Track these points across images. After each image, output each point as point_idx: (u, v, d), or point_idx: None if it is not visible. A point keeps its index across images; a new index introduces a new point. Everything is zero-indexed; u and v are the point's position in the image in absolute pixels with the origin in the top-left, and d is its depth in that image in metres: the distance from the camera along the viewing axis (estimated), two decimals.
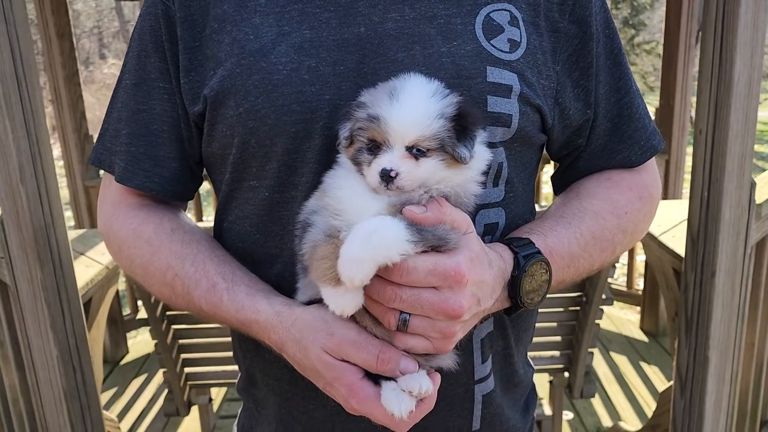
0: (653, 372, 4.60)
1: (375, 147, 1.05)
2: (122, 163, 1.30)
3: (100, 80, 20.48)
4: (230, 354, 3.15)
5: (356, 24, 1.21)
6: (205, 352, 3.12)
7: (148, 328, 2.92)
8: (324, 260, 1.01)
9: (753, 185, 2.67)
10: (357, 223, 1.02)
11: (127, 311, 5.52)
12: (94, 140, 2.33)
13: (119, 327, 5.11)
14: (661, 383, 4.40)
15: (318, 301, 1.12)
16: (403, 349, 1.06)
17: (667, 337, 5.03)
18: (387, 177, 1.02)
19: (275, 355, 1.21)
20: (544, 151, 1.43)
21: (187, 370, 3.18)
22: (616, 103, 1.36)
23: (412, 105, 1.04)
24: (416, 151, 1.04)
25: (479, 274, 1.07)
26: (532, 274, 1.16)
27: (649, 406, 4.16)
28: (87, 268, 3.31)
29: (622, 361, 4.78)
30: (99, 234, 3.77)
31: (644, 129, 1.38)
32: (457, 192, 1.09)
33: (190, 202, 1.52)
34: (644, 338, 5.10)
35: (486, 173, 1.15)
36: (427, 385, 1.06)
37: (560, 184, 1.47)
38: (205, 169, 1.41)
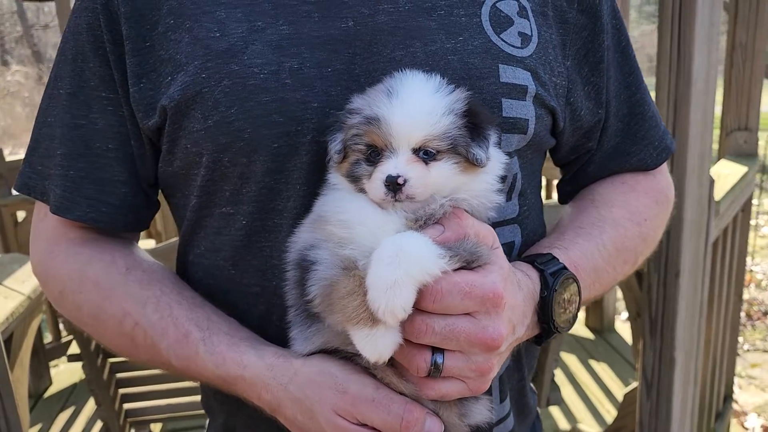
0: (603, 369, 4.60)
1: (375, 154, 0.90)
2: (58, 190, 1.10)
3: (4, 88, 19.22)
4: (174, 385, 2.88)
5: (342, 17, 1.03)
6: (147, 385, 2.84)
7: (74, 354, 2.61)
8: (350, 297, 0.84)
9: (712, 182, 2.66)
10: (376, 248, 0.86)
11: (48, 338, 5.07)
12: None
13: (41, 357, 4.67)
14: (611, 380, 4.41)
15: (322, 352, 0.94)
16: (435, 398, 0.90)
17: (614, 333, 5.06)
18: (394, 185, 0.86)
19: (265, 413, 1.01)
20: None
21: (126, 406, 2.88)
22: (626, 100, 1.24)
23: (415, 101, 0.89)
24: (424, 154, 0.89)
25: (512, 296, 0.93)
26: (562, 294, 1.03)
27: (602, 404, 4.15)
28: (6, 300, 2.95)
29: (571, 360, 4.77)
30: (18, 260, 3.39)
31: (657, 128, 1.27)
32: (475, 203, 0.94)
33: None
34: (590, 335, 5.12)
35: (504, 179, 1.00)
36: None
37: (569, 192, 1.34)
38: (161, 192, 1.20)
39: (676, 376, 2.78)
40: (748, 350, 5.24)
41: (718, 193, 2.76)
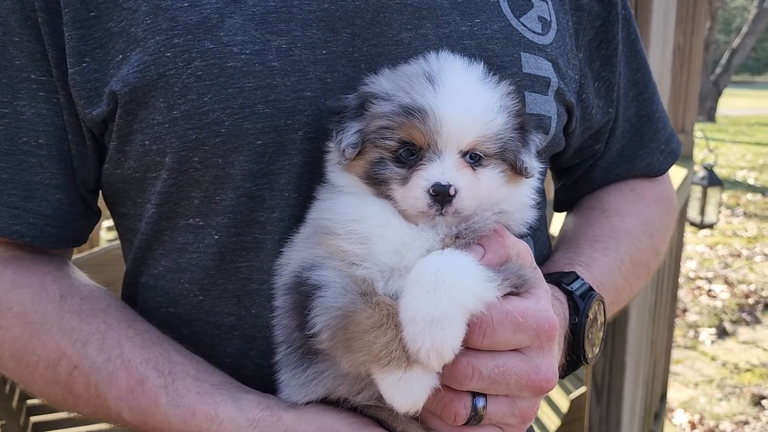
0: None
1: (409, 154, 0.74)
2: None
3: None
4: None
5: None
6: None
7: None
8: (377, 332, 0.67)
9: None
10: (400, 269, 0.71)
11: None
12: None
13: None
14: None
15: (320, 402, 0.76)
16: None
17: None
18: (444, 196, 0.70)
19: None
20: None
21: None
22: (634, 99, 1.14)
23: (468, 92, 0.74)
24: (470, 158, 0.74)
25: None
26: (591, 319, 0.92)
27: (543, 412, 4.13)
28: None
29: None
30: None
31: (664, 130, 1.17)
32: (516, 218, 0.80)
33: None
34: None
35: (542, 192, 0.87)
36: None
37: (568, 200, 1.22)
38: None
39: (627, 380, 2.77)
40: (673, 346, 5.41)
41: None
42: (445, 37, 0.87)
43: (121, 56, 0.82)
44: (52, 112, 0.87)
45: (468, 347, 0.70)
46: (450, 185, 0.70)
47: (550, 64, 0.94)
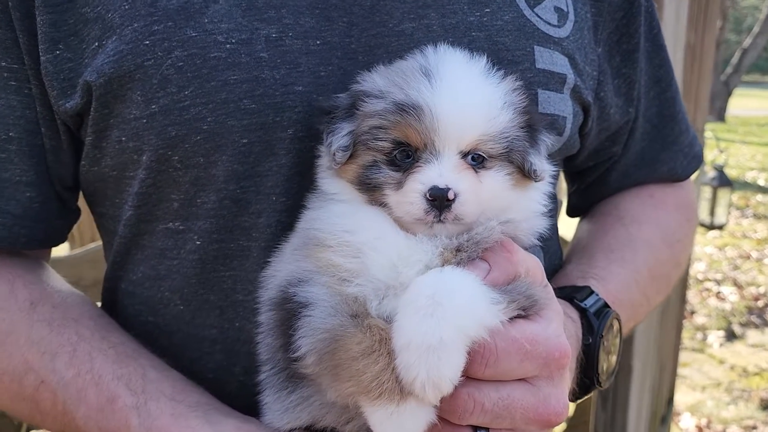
0: None
1: (405, 155, 0.68)
2: None
3: None
4: None
5: None
6: None
7: None
8: (367, 360, 0.61)
9: None
10: (397, 286, 0.65)
11: None
12: None
13: None
14: None
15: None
16: None
17: None
18: (441, 200, 0.64)
19: None
20: None
21: None
22: (656, 98, 1.07)
23: (468, 87, 0.68)
24: (472, 160, 0.67)
25: None
26: (607, 339, 0.85)
27: None
28: None
29: None
30: None
31: (687, 132, 1.10)
32: (525, 228, 0.73)
33: None
34: None
35: (554, 198, 0.81)
36: None
37: (582, 205, 1.14)
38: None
39: (633, 385, 2.70)
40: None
41: None
42: (451, 28, 0.81)
43: (96, 44, 0.77)
44: (23, 103, 0.82)
45: (469, 377, 0.64)
46: (449, 188, 0.64)
47: (567, 59, 0.87)
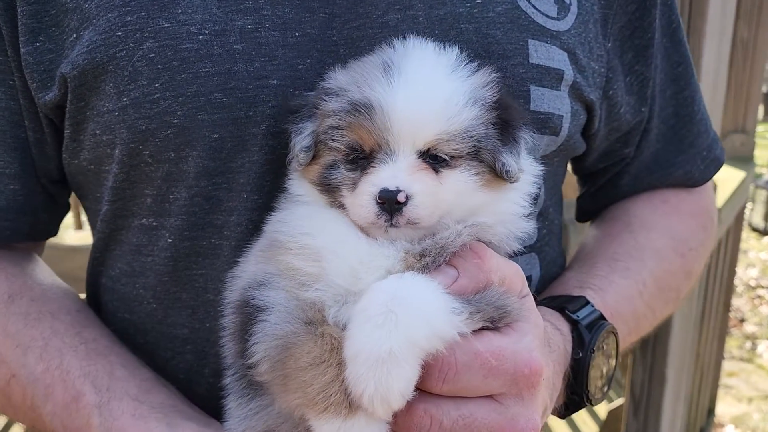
0: None
1: (362, 156, 0.64)
2: None
3: None
4: None
5: None
6: None
7: None
8: (316, 370, 0.58)
9: (714, 188, 2.44)
10: (358, 292, 0.61)
11: None
12: None
13: None
14: None
15: None
16: None
17: None
18: (391, 203, 0.61)
19: None
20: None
21: None
22: (673, 97, 1.00)
23: (426, 82, 0.64)
24: (433, 159, 0.64)
25: (545, 364, 0.68)
26: (600, 353, 0.80)
27: (583, 420, 3.96)
28: None
29: None
30: None
31: (706, 134, 1.02)
32: (500, 232, 0.68)
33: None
34: None
35: (537, 199, 0.76)
36: None
37: (591, 209, 1.08)
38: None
39: (666, 394, 2.61)
40: (724, 358, 5.13)
41: (719, 200, 2.56)
42: (438, 20, 0.77)
43: (74, 35, 0.75)
44: (6, 95, 0.81)
45: (427, 392, 0.60)
46: (399, 191, 0.60)
47: (566, 54, 0.82)
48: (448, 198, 0.63)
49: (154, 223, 0.79)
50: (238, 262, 0.72)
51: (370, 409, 0.57)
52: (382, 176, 0.61)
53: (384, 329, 0.56)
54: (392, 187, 0.60)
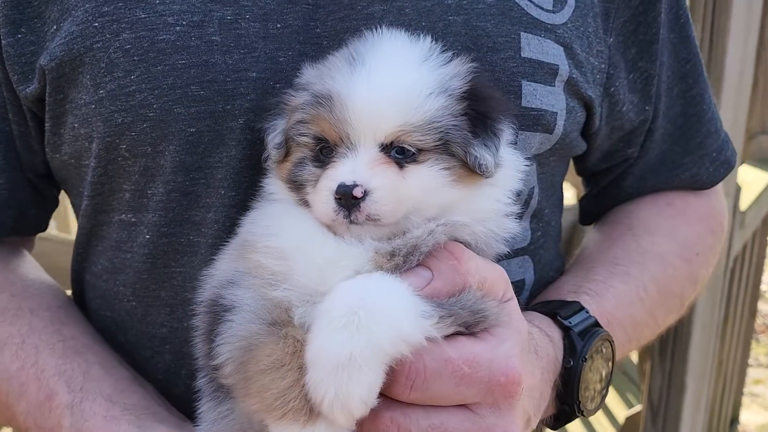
0: None
1: (326, 151, 0.63)
2: None
3: None
4: None
5: None
6: None
7: None
8: (275, 374, 0.56)
9: (738, 191, 2.38)
10: (327, 293, 0.59)
11: None
12: None
13: None
14: (613, 400, 4.14)
15: None
16: None
17: None
18: (348, 198, 0.59)
19: None
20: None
21: None
22: (681, 95, 0.96)
23: (389, 72, 0.62)
24: (398, 153, 0.61)
25: (529, 373, 0.66)
26: (593, 362, 0.77)
27: (601, 424, 3.89)
28: None
29: None
30: None
31: (716, 134, 0.98)
32: (479, 231, 0.65)
33: None
34: None
35: (528, 199, 0.75)
36: None
37: (594, 211, 1.05)
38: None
39: (686, 402, 2.54)
40: (750, 365, 4.99)
41: (744, 203, 2.49)
42: (425, 11, 0.74)
43: (55, 27, 0.75)
44: None
45: (396, 400, 0.58)
46: (355, 185, 0.58)
47: (561, 48, 0.79)
48: (413, 193, 0.61)
49: (132, 219, 0.78)
50: (214, 260, 0.71)
51: (330, 417, 0.55)
52: (341, 171, 0.60)
53: (346, 332, 0.54)
54: (349, 182, 0.59)
